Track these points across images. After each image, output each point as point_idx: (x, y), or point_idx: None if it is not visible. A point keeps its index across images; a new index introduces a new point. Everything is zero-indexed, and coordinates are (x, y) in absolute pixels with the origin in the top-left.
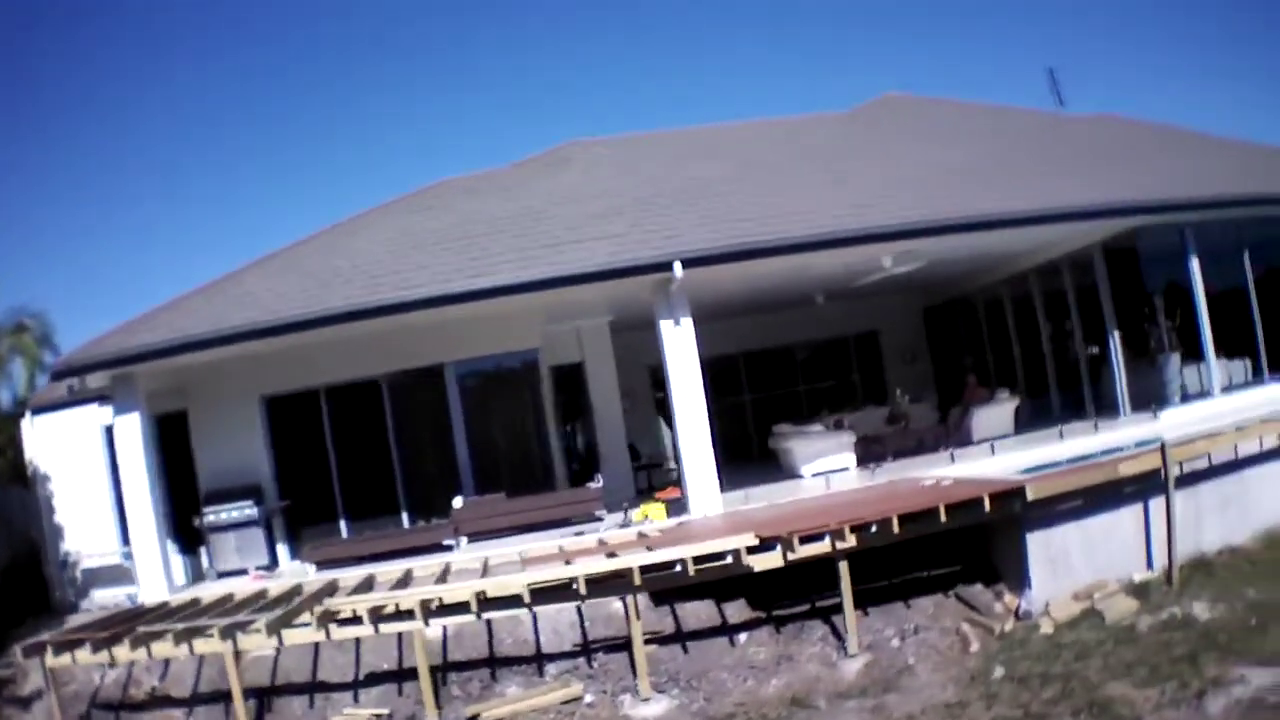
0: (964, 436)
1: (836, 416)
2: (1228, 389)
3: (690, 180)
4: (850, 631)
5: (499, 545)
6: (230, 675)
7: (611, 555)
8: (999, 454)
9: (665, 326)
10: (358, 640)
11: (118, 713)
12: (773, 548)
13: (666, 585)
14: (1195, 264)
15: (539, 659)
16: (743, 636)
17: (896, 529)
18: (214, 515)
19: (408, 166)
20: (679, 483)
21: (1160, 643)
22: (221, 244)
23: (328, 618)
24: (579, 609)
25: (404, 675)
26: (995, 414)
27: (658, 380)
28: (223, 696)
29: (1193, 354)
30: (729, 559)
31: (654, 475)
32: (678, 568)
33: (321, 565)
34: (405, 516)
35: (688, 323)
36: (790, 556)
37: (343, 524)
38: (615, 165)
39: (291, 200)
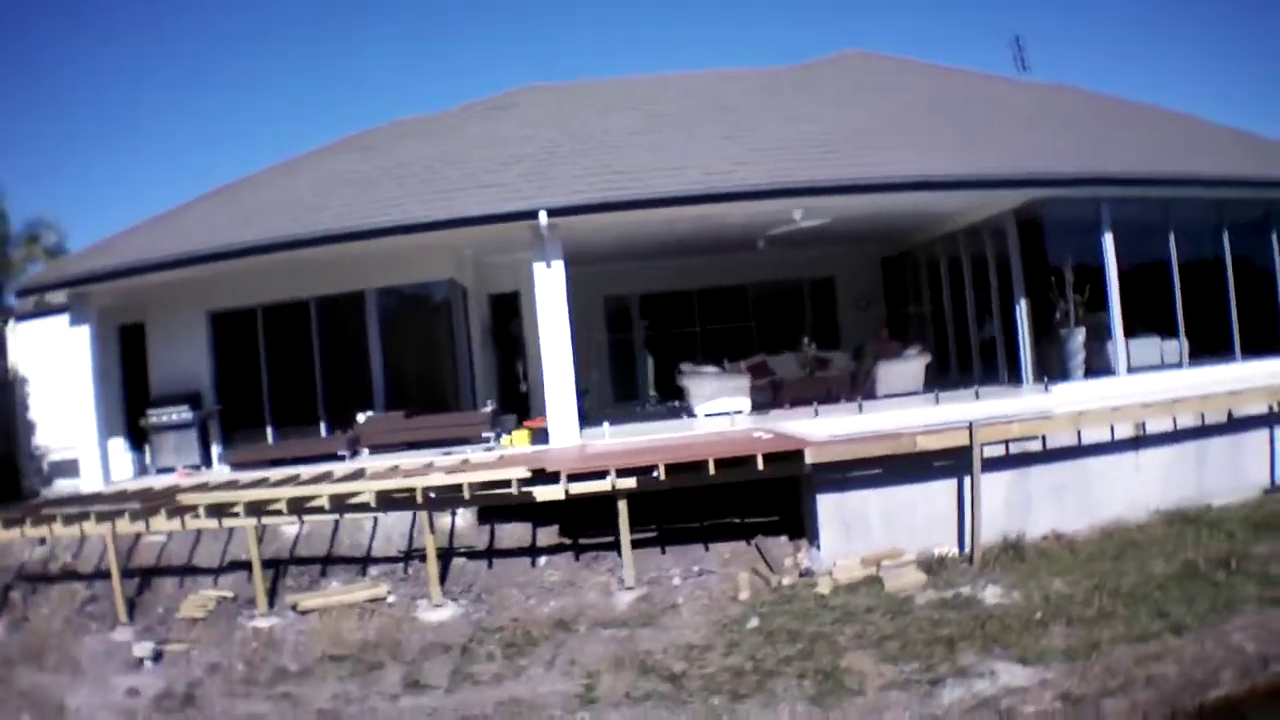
0: (870, 389)
1: (755, 359)
2: (1142, 368)
3: (602, 131)
4: (627, 566)
5: (394, 458)
6: (109, 554)
7: (406, 475)
8: (870, 412)
9: (538, 268)
10: (230, 531)
11: (34, 584)
12: (555, 480)
13: (453, 504)
14: (1109, 240)
15: (366, 561)
16: (543, 560)
17: (663, 476)
18: (156, 417)
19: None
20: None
21: (929, 620)
22: (243, 149)
23: (179, 510)
24: (414, 518)
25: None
26: (902, 370)
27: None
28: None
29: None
30: (511, 488)
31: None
32: (463, 491)
33: (238, 466)
34: (324, 426)
35: (559, 265)
36: (571, 491)
37: (269, 430)
38: (549, 112)
39: (311, 107)
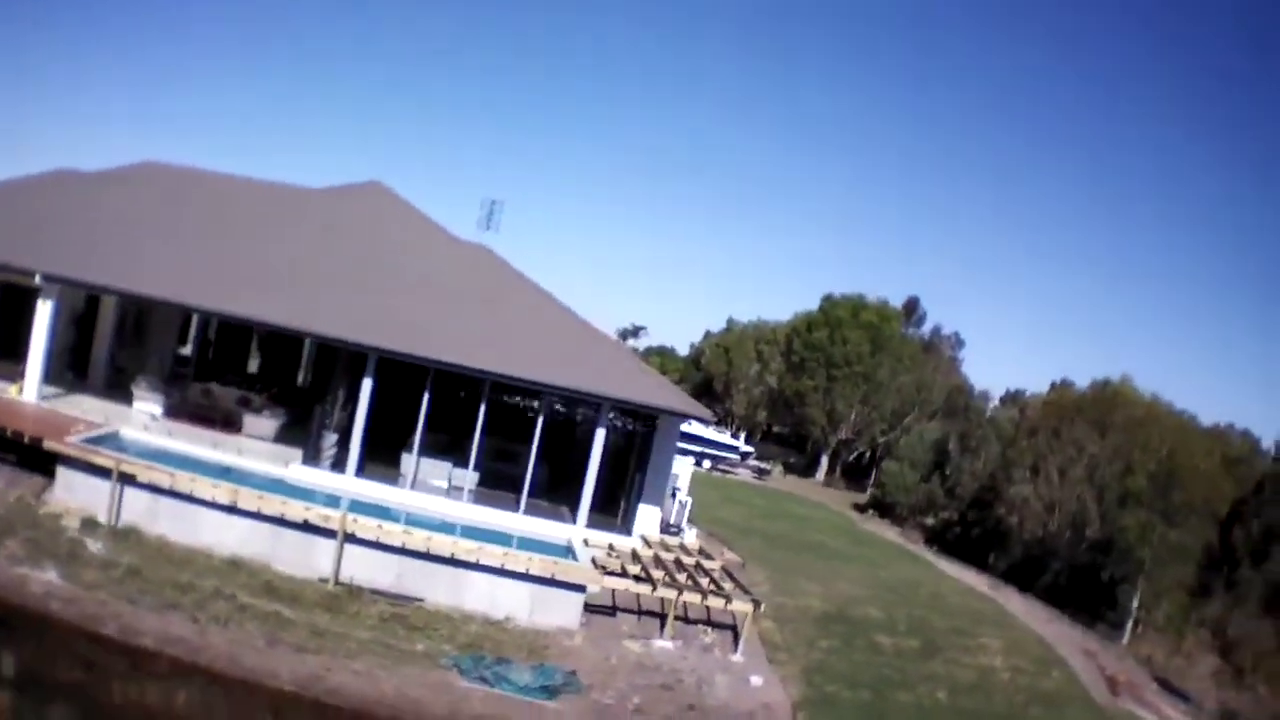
0: (240, 427)
1: (207, 384)
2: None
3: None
4: None
5: None
6: None
7: None
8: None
9: (39, 303)
10: None
11: None
12: None
13: None
14: (368, 382)
15: None
16: None
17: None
18: None
19: None
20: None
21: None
22: None
23: None
24: None
25: None
26: (259, 422)
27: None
28: None
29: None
30: None
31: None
32: None
33: None
34: None
35: (50, 303)
36: None
37: None
38: (153, 189)
39: None
